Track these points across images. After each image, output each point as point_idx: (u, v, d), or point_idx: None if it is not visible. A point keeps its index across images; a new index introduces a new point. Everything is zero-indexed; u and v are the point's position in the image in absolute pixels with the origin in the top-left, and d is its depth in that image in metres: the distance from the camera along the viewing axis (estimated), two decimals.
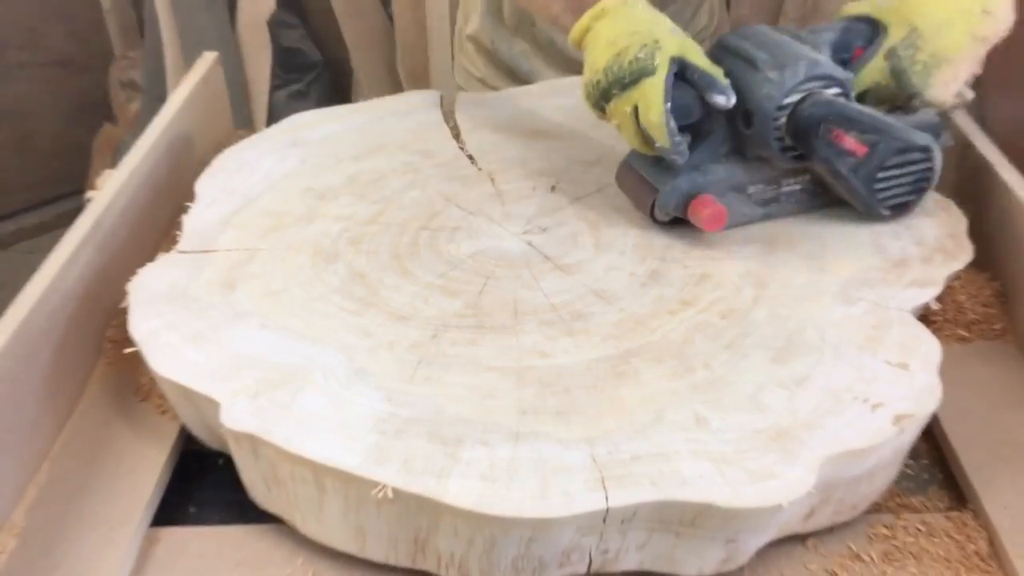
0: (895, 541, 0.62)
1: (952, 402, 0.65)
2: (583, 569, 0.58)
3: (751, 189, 0.78)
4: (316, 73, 2.00)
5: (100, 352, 0.79)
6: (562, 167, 0.90)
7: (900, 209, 0.79)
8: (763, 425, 0.59)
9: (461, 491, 0.54)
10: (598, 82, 0.73)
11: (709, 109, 0.73)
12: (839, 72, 0.74)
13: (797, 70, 0.72)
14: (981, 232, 0.80)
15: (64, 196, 2.31)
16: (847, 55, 0.79)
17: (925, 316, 0.75)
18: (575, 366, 0.65)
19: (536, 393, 0.62)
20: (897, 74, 0.77)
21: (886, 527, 0.63)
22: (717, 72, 0.73)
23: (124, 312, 0.71)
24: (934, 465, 0.69)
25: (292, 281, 0.74)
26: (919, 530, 0.62)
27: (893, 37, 0.77)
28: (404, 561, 0.60)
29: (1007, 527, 0.61)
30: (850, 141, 0.73)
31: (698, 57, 0.73)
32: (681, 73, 0.73)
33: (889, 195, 0.77)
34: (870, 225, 0.79)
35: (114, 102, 2.25)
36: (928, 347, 0.66)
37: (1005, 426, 0.69)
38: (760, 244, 0.78)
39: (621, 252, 0.78)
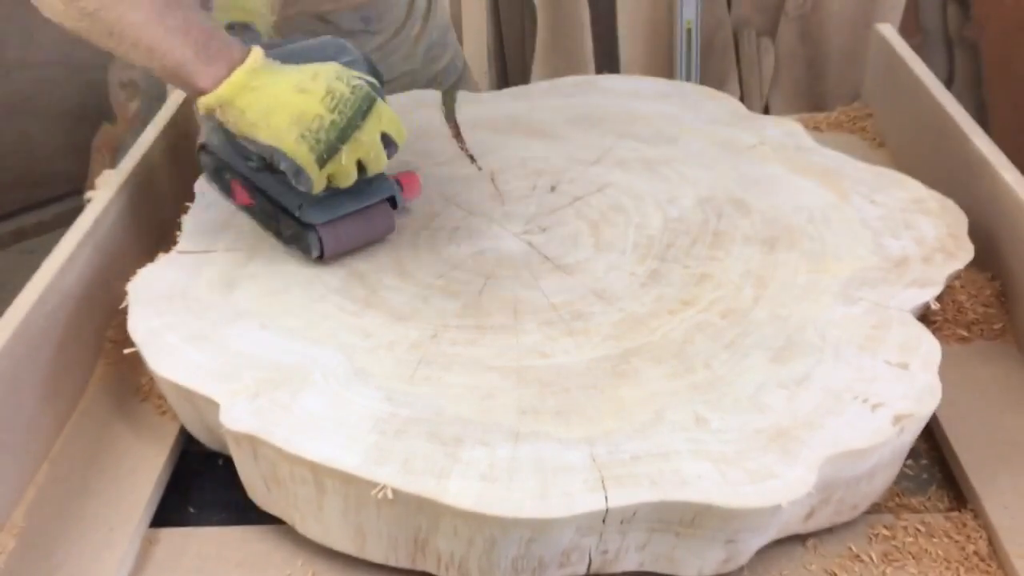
0: (895, 541, 0.62)
1: (952, 402, 0.66)
2: (583, 569, 0.58)
3: None
4: None
5: (100, 352, 0.79)
6: (562, 167, 0.90)
7: None
8: (763, 425, 0.59)
9: (461, 491, 0.54)
10: (332, 123, 0.70)
11: None
12: None
13: (349, 46, 0.79)
14: (982, 232, 0.80)
15: (64, 196, 2.30)
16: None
17: (925, 316, 0.75)
18: (575, 366, 0.65)
19: (536, 393, 0.62)
20: None
21: (886, 527, 0.63)
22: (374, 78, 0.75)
23: (124, 312, 0.71)
24: (934, 465, 0.69)
25: (292, 281, 0.74)
26: (919, 530, 0.62)
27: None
28: (404, 562, 0.60)
29: (1007, 527, 0.61)
30: None
31: (353, 71, 0.74)
32: None
33: None
34: (870, 225, 0.79)
35: (114, 102, 2.25)
36: (928, 347, 0.66)
37: (1005, 426, 0.69)
38: (760, 244, 0.78)
39: (621, 252, 0.78)
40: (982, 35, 1.84)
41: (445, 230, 0.81)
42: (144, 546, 0.63)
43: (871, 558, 0.60)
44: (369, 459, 0.57)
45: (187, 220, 0.83)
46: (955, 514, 0.64)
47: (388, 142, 0.74)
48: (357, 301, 0.72)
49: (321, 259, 0.76)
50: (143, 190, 0.89)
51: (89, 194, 0.86)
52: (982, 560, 0.60)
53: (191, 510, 0.68)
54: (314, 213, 0.74)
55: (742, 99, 1.67)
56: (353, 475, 0.56)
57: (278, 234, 0.79)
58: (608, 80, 1.10)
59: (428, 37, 1.18)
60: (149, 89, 2.01)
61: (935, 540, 0.62)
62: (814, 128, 1.10)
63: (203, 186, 0.87)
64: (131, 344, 0.69)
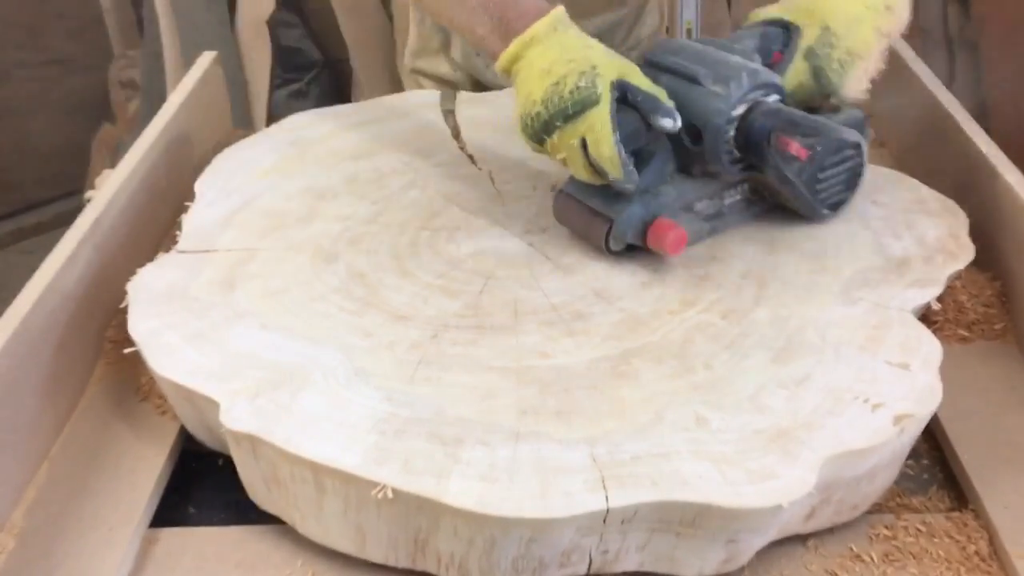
0: (896, 542, 0.61)
1: (952, 402, 0.65)
2: (583, 569, 0.58)
3: (698, 206, 0.77)
4: (316, 72, 2.00)
5: (100, 352, 0.79)
6: (562, 167, 0.90)
7: (837, 207, 0.80)
8: (763, 425, 0.59)
9: (461, 491, 0.54)
10: (538, 114, 0.69)
11: (653, 130, 0.71)
12: (776, 78, 0.74)
13: (741, 81, 0.72)
14: (983, 232, 0.80)
15: (63, 196, 2.31)
16: (768, 60, 0.78)
17: (926, 316, 0.75)
18: (575, 366, 0.65)
19: (536, 393, 0.62)
20: (817, 73, 0.77)
21: (887, 527, 0.63)
22: (660, 93, 0.71)
23: (124, 312, 0.71)
24: (935, 465, 0.69)
25: (292, 281, 0.74)
26: (920, 530, 0.62)
27: (808, 37, 0.78)
28: (404, 562, 0.60)
29: (1008, 527, 0.61)
30: (795, 146, 0.72)
31: (638, 78, 0.71)
32: (623, 97, 0.70)
33: (828, 194, 0.78)
34: (871, 225, 0.79)
35: (113, 101, 2.25)
36: (929, 347, 0.66)
37: (1006, 426, 0.69)
38: (760, 244, 0.78)
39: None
40: (982, 35, 1.84)
41: (445, 230, 0.81)
42: (144, 546, 0.63)
43: (872, 558, 0.60)
44: (369, 459, 0.57)
45: (187, 220, 0.83)
46: (956, 514, 0.64)
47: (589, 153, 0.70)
48: (357, 301, 0.72)
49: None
50: (143, 190, 0.89)
51: (89, 194, 0.86)
52: (983, 560, 0.60)
53: (191, 510, 0.68)
54: (569, 182, 0.76)
55: None
56: (353, 475, 0.56)
57: None
58: None
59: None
60: (148, 88, 2.01)
61: (936, 540, 0.62)
62: None
63: (203, 185, 0.87)
64: (131, 344, 0.69)
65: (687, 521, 0.56)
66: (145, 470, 0.67)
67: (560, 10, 0.72)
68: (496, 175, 0.90)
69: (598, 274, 0.75)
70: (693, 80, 0.73)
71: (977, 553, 0.60)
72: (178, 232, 0.81)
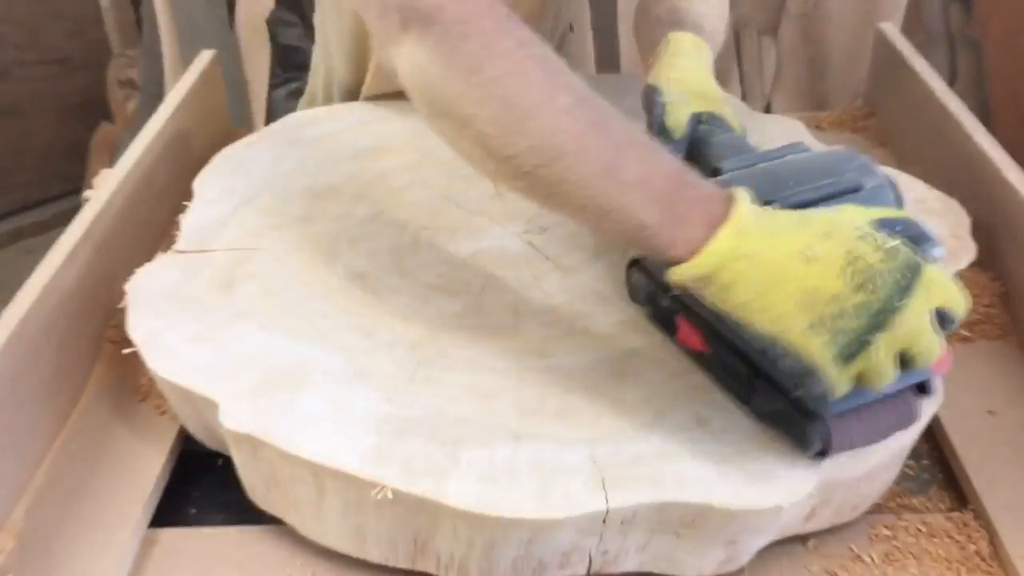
0: (896, 542, 0.61)
1: (953, 402, 0.65)
2: (583, 570, 0.58)
3: None
4: None
5: (99, 352, 0.79)
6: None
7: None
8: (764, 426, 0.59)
9: (461, 492, 0.54)
10: (859, 305, 0.50)
11: None
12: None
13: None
14: (984, 231, 0.80)
15: (62, 195, 2.31)
16: None
17: None
18: (575, 366, 0.65)
19: (536, 394, 0.62)
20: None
21: (887, 528, 0.63)
22: (900, 213, 0.57)
23: (123, 312, 0.71)
24: (935, 465, 0.69)
25: (292, 281, 0.74)
26: (920, 531, 0.62)
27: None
28: (403, 562, 0.60)
29: (1008, 527, 0.61)
30: None
31: (880, 213, 0.56)
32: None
33: None
34: None
35: (112, 101, 2.25)
36: None
37: (1006, 426, 0.69)
38: None
39: (622, 252, 0.77)
40: (984, 34, 1.84)
41: (445, 230, 0.81)
42: (143, 546, 0.63)
43: (872, 558, 0.60)
44: (369, 460, 0.56)
45: (186, 219, 0.82)
46: (956, 514, 0.64)
47: (944, 320, 0.53)
48: (357, 301, 0.72)
49: (822, 456, 0.57)
50: (142, 189, 0.89)
51: (87, 193, 0.85)
52: (983, 560, 0.60)
53: (191, 510, 0.68)
54: (822, 399, 0.54)
55: (744, 98, 1.66)
56: (353, 476, 0.56)
57: (745, 400, 0.61)
58: (608, 80, 1.10)
59: None
60: (147, 88, 2.01)
61: (936, 540, 0.62)
62: (816, 127, 1.09)
63: (201, 185, 0.87)
64: (130, 344, 0.69)
65: (687, 522, 0.56)
66: (145, 470, 0.67)
67: (743, 189, 0.55)
68: None
69: (598, 274, 0.75)
70: (854, 186, 0.60)
71: (977, 553, 0.60)
72: (177, 232, 0.81)
